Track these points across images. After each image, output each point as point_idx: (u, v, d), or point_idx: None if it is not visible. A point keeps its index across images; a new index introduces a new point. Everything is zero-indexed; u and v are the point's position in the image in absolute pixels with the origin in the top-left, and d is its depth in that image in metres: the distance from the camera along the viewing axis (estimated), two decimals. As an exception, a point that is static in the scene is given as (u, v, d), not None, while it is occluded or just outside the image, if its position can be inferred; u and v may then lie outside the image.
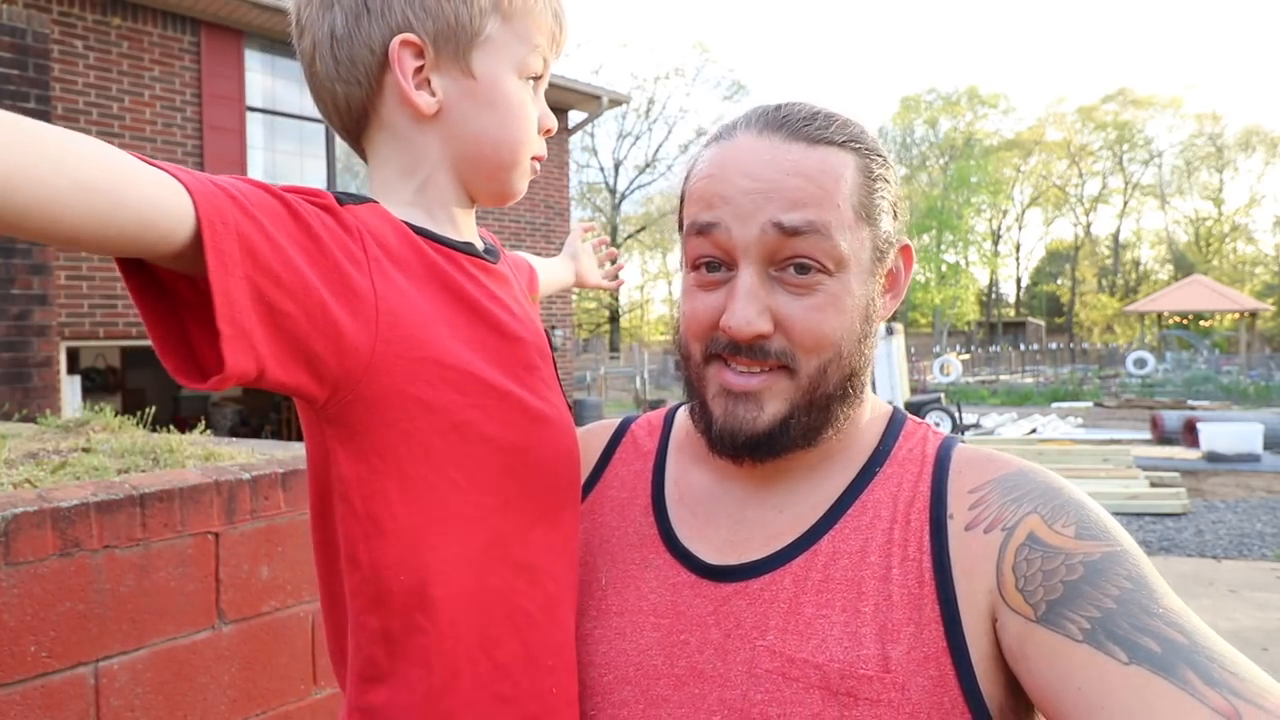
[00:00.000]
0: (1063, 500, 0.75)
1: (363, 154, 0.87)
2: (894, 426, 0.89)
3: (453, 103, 0.81)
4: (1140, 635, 0.63)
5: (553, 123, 0.89)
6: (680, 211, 0.88)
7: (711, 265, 0.82)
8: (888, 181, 0.84)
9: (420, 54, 0.79)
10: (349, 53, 0.79)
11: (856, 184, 0.80)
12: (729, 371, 0.81)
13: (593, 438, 1.03)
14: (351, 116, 0.83)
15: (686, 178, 0.87)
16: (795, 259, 0.78)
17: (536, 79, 0.86)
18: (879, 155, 0.84)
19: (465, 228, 0.87)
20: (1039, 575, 0.70)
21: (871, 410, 0.90)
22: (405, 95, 0.79)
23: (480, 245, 0.88)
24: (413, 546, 0.74)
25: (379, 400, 0.71)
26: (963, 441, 0.86)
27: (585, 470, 0.98)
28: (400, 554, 0.73)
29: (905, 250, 0.87)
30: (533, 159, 0.88)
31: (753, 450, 0.82)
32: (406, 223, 0.79)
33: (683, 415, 0.99)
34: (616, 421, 1.04)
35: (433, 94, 0.80)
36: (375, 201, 0.79)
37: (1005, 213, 51.49)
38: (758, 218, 0.77)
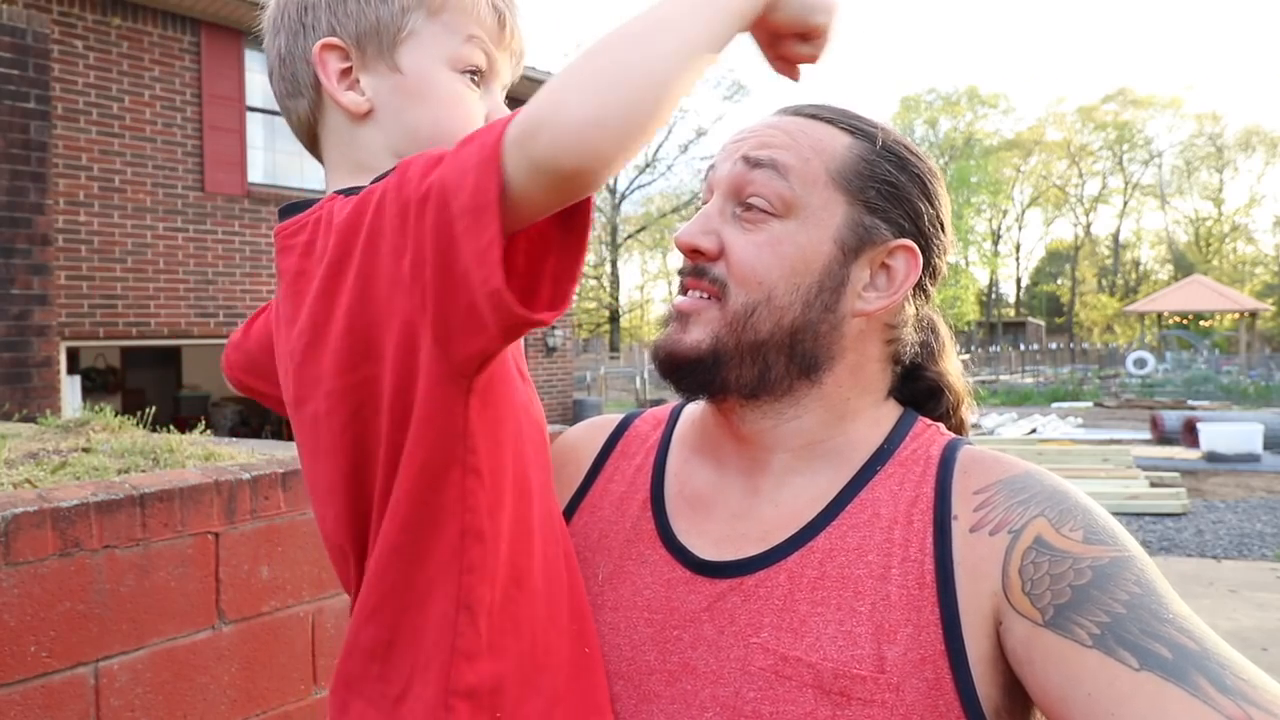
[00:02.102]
0: (1070, 504, 0.75)
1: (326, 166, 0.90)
2: (901, 426, 0.88)
3: (384, 99, 0.83)
4: (1151, 641, 0.63)
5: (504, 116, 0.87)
6: None
7: None
8: (895, 177, 0.85)
9: (346, 56, 0.82)
10: (292, 70, 0.85)
11: (842, 157, 0.84)
12: (678, 296, 0.88)
13: (595, 431, 1.03)
14: (307, 131, 0.88)
15: None
16: (751, 197, 0.84)
17: (478, 72, 0.85)
18: (896, 157, 0.85)
19: None
20: (1046, 579, 0.70)
21: (879, 407, 0.90)
22: (334, 97, 0.82)
23: None
24: (514, 517, 0.76)
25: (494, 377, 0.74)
26: (969, 443, 0.86)
27: (584, 464, 0.99)
28: (510, 525, 0.75)
29: (910, 252, 0.85)
30: None
31: (676, 371, 0.85)
32: None
33: (689, 410, 1.00)
34: (619, 417, 1.05)
35: (362, 93, 0.83)
36: None
37: (1005, 213, 51.49)
38: (734, 156, 0.86)
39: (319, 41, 0.82)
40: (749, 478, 0.88)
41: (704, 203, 0.89)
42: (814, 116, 0.87)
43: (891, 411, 0.90)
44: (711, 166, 0.89)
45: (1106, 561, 0.69)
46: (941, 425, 0.90)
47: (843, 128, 0.85)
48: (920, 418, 0.90)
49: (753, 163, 0.83)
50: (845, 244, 0.83)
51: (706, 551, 0.84)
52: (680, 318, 0.86)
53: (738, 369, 0.83)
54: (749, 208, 0.84)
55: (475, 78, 0.85)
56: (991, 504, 0.77)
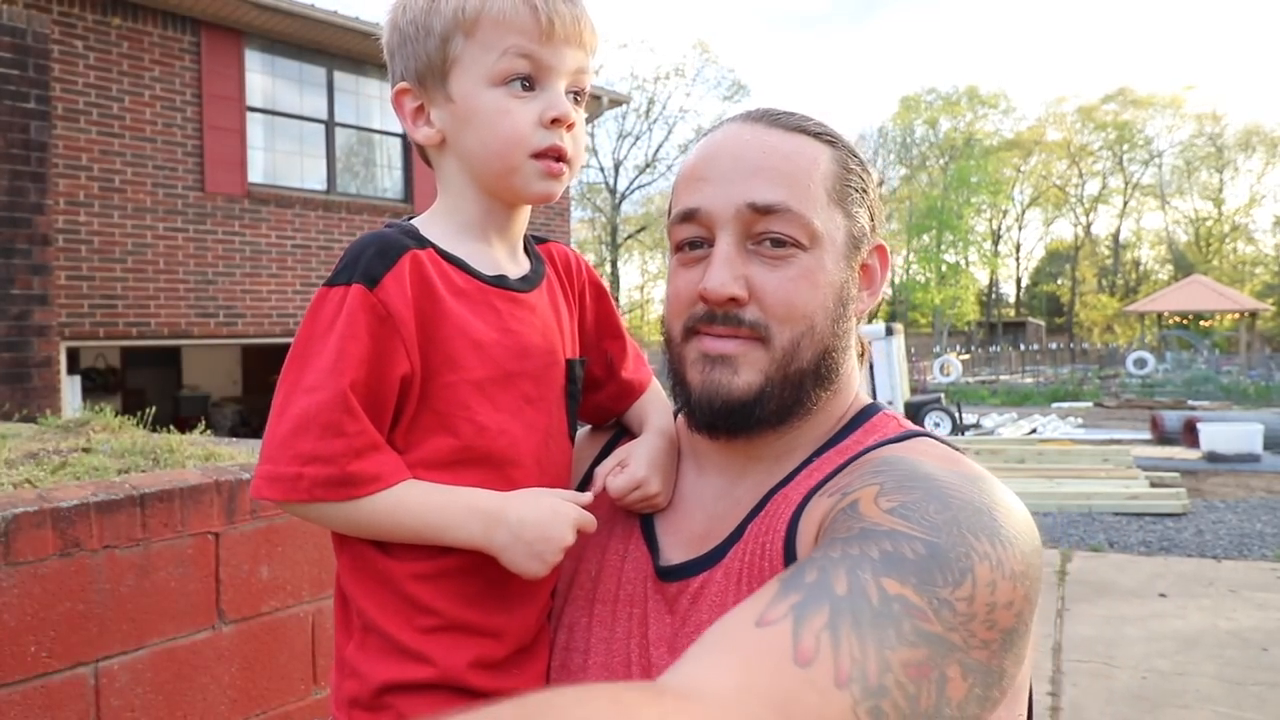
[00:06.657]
0: (917, 483, 0.68)
1: None
2: (858, 420, 0.87)
3: (448, 128, 0.89)
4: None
5: (558, 111, 0.86)
6: (670, 205, 0.91)
7: (694, 244, 0.85)
8: (863, 181, 0.87)
9: (416, 95, 0.90)
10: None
11: (830, 172, 0.84)
12: (706, 339, 0.84)
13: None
14: (426, 159, 0.96)
15: (678, 174, 0.91)
16: (770, 234, 0.81)
17: (526, 78, 0.85)
18: (855, 156, 0.88)
19: (502, 246, 0.92)
20: (831, 528, 0.67)
21: (848, 407, 0.90)
22: (411, 136, 0.91)
23: (518, 271, 0.92)
24: None
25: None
26: (931, 436, 0.83)
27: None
28: None
29: (880, 250, 0.90)
30: (542, 156, 0.86)
31: (728, 417, 0.83)
32: (445, 254, 0.86)
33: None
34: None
35: (432, 125, 0.89)
36: (407, 250, 0.84)
37: (1005, 213, 51.40)
38: (734, 197, 0.81)
39: (394, 88, 0.91)
40: (726, 480, 0.89)
41: (701, 239, 0.84)
42: (800, 130, 0.85)
43: (857, 404, 0.90)
44: (695, 208, 0.83)
45: (884, 530, 0.62)
46: (911, 425, 0.88)
47: (826, 142, 0.86)
48: (883, 412, 0.88)
49: (763, 209, 0.80)
50: (849, 257, 0.85)
51: (677, 550, 0.87)
52: (724, 361, 0.82)
53: (778, 400, 0.82)
54: (776, 243, 0.81)
55: (525, 84, 0.85)
56: (849, 473, 0.76)
